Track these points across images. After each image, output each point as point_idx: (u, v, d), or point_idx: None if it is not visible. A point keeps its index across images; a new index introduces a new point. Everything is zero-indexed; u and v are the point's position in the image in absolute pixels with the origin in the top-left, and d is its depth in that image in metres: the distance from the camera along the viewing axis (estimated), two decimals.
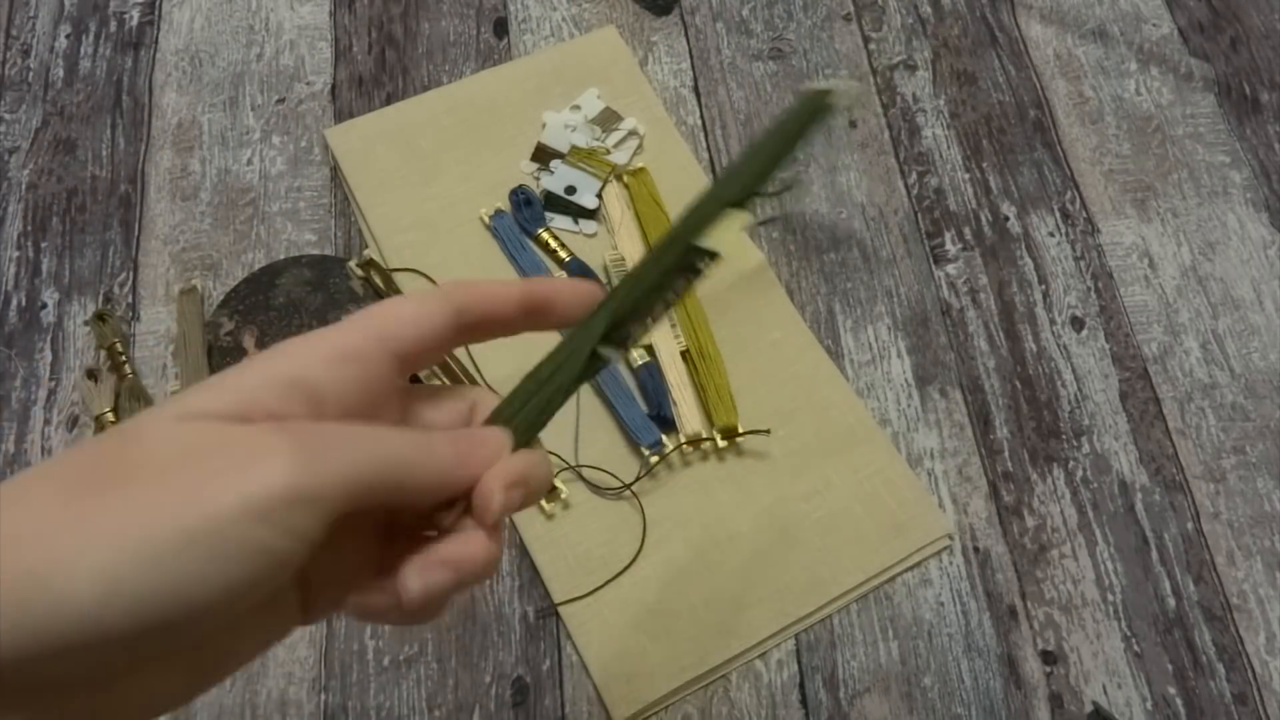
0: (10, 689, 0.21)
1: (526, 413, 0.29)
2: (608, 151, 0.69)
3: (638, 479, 0.59)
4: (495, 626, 0.56)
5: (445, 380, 0.60)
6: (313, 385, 0.24)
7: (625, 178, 0.68)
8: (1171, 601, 0.58)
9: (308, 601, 0.26)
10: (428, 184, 0.68)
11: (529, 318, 0.30)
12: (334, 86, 0.73)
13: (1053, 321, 0.66)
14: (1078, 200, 0.70)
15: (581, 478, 0.59)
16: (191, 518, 0.21)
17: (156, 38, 0.75)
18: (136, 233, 0.68)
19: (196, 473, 0.21)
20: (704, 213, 0.30)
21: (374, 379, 0.26)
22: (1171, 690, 0.56)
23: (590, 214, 0.67)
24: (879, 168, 0.71)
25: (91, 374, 0.62)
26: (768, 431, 0.60)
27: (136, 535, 0.20)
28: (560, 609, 0.56)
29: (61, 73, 0.74)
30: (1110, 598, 0.58)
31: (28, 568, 0.20)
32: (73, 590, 0.20)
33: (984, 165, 0.71)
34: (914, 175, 0.71)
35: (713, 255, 0.30)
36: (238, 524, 0.21)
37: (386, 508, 0.25)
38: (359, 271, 0.64)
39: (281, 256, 0.67)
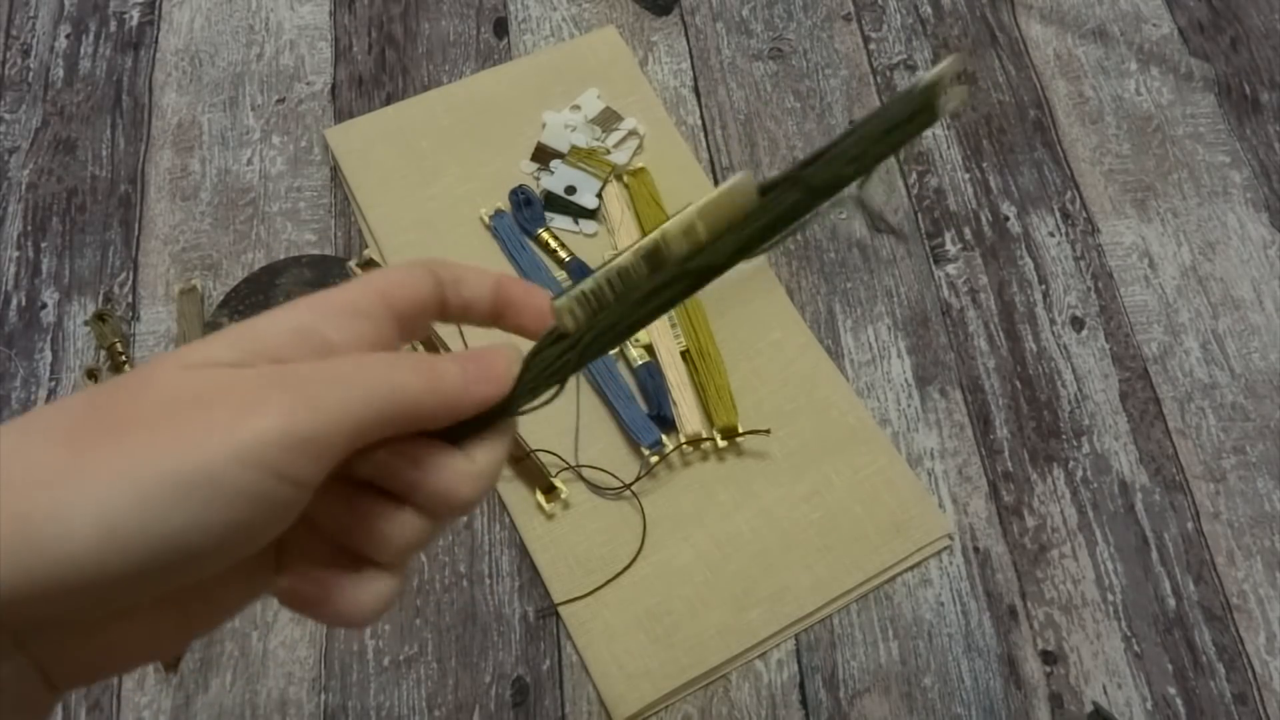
0: (10, 629, 0.21)
1: (598, 328, 0.28)
2: (608, 151, 0.69)
3: (638, 479, 0.59)
4: (495, 626, 0.56)
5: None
6: (322, 337, 0.24)
7: (625, 178, 0.68)
8: (1171, 601, 0.58)
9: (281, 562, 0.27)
10: (428, 184, 0.68)
11: (498, 313, 0.29)
12: (334, 86, 0.73)
13: (1053, 321, 0.66)
14: (1078, 200, 0.70)
15: (581, 478, 0.59)
16: (186, 463, 0.21)
17: (156, 38, 0.75)
18: (136, 233, 0.68)
19: (194, 420, 0.21)
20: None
21: (380, 335, 0.26)
22: (1171, 690, 0.56)
23: (590, 214, 0.67)
24: (879, 168, 0.71)
25: (91, 374, 0.62)
26: (768, 431, 0.60)
27: (132, 480, 0.21)
28: (560, 609, 0.56)
29: (61, 73, 0.74)
30: (1110, 598, 0.58)
31: (25, 510, 0.20)
32: (70, 532, 0.20)
33: (984, 165, 0.71)
34: (914, 175, 0.71)
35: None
36: (230, 470, 0.21)
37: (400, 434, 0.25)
38: (359, 271, 0.64)
39: (281, 256, 0.67)
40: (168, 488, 0.21)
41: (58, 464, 0.21)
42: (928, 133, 0.72)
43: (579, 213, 0.67)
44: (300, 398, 0.22)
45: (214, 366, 0.23)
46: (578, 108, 0.71)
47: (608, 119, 0.70)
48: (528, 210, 0.66)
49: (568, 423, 0.61)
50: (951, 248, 0.68)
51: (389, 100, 0.72)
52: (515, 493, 0.59)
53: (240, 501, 0.21)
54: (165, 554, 0.21)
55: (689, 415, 0.60)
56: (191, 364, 0.23)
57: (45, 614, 0.21)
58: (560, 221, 0.67)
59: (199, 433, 0.21)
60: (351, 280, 0.27)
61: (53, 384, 0.63)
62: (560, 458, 0.59)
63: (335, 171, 0.70)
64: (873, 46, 0.76)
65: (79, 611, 0.21)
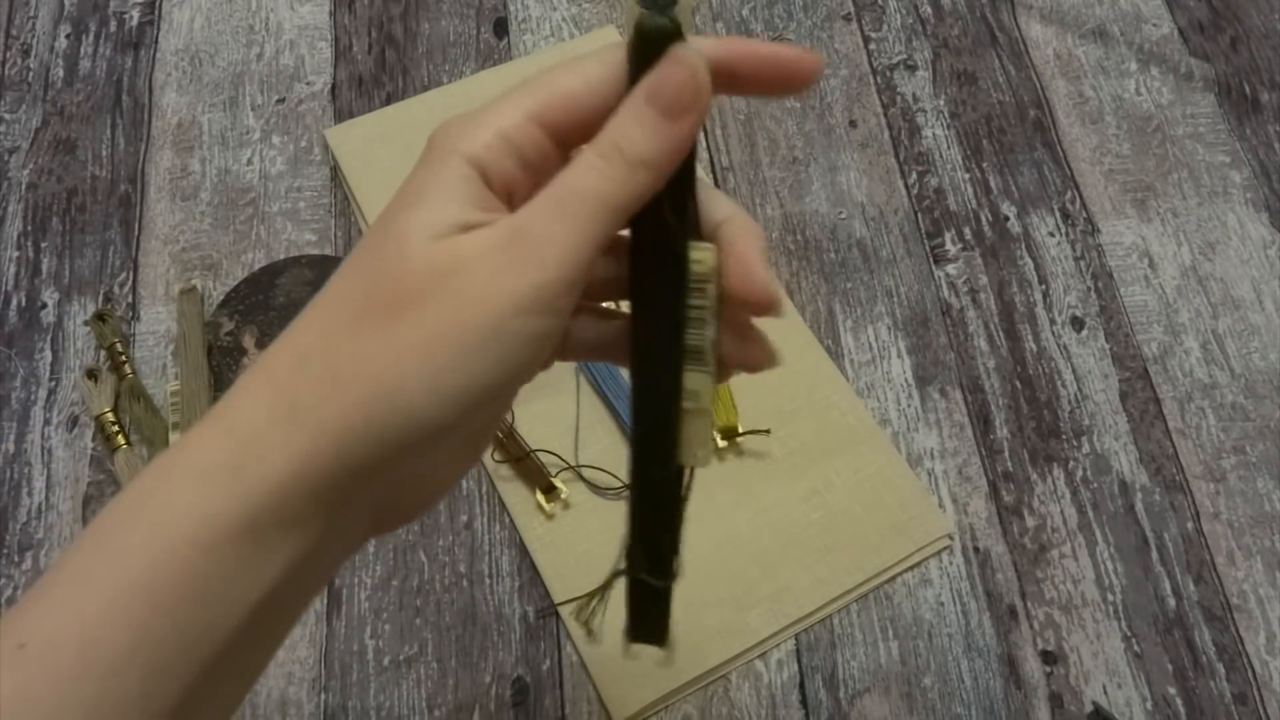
0: (363, 474, 0.26)
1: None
2: None
3: None
4: (495, 626, 0.56)
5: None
6: (485, 166, 0.27)
7: None
8: (1171, 601, 0.58)
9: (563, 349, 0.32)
10: None
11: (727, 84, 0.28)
12: (334, 86, 0.73)
13: (1053, 321, 0.66)
14: (1078, 200, 0.70)
15: (581, 478, 0.59)
16: (483, 321, 0.25)
17: (156, 38, 0.75)
18: (136, 233, 0.68)
19: (472, 284, 0.26)
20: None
21: (534, 157, 0.27)
22: (1171, 690, 0.56)
23: None
24: (879, 168, 0.71)
25: (91, 374, 0.62)
26: (768, 431, 0.60)
27: (446, 344, 0.25)
28: (560, 609, 0.56)
29: (61, 73, 0.74)
30: (1110, 598, 0.58)
31: (368, 388, 0.25)
32: (409, 398, 0.25)
33: (984, 165, 0.71)
34: (914, 175, 0.71)
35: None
36: (512, 321, 0.26)
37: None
38: None
39: (281, 256, 0.67)
40: (473, 343, 0.25)
41: (374, 345, 0.26)
42: (928, 133, 0.72)
43: None
44: (535, 265, 0.26)
45: (452, 235, 0.26)
46: None
47: None
48: None
49: (568, 423, 0.61)
50: (951, 248, 0.68)
51: (389, 100, 0.72)
52: (515, 493, 0.59)
53: (524, 340, 0.26)
54: (476, 395, 0.26)
55: None
56: (438, 234, 0.26)
57: (387, 458, 0.26)
58: None
59: (483, 294, 0.26)
60: (507, 97, 0.28)
61: (52, 384, 0.63)
62: (560, 458, 0.59)
63: (335, 171, 0.70)
64: (873, 46, 0.76)
65: (410, 453, 0.26)
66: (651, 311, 0.29)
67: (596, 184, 0.26)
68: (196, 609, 0.24)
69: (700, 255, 0.28)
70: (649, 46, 0.26)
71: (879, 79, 0.75)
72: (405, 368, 0.25)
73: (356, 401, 0.25)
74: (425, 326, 0.25)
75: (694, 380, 0.29)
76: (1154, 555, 0.59)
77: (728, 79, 0.27)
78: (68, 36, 0.75)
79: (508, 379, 0.26)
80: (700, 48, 0.26)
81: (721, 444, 0.60)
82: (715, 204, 0.29)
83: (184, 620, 0.24)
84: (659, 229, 0.28)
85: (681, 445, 0.30)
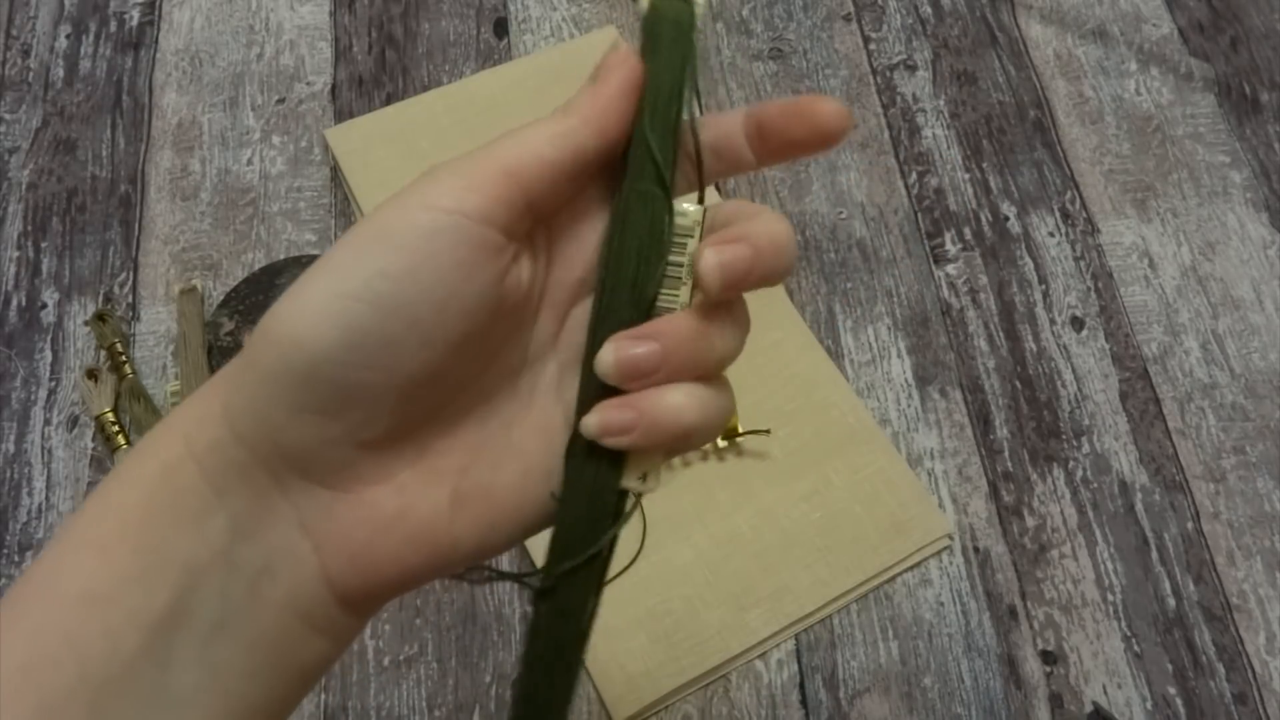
0: (271, 450, 0.25)
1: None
2: None
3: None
4: (495, 626, 0.56)
5: None
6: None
7: None
8: (1171, 601, 0.58)
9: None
10: None
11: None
12: (334, 86, 0.73)
13: (1053, 321, 0.66)
14: (1078, 200, 0.70)
15: None
16: (388, 221, 0.25)
17: (156, 38, 0.75)
18: (136, 233, 0.68)
19: (390, 203, 0.26)
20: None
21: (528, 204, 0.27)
22: (1171, 690, 0.56)
23: None
24: (879, 168, 0.71)
25: (91, 374, 0.62)
26: (768, 431, 0.60)
27: (357, 276, 0.25)
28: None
29: (61, 73, 0.74)
30: (1110, 598, 0.58)
31: (278, 335, 0.25)
32: (312, 334, 0.24)
33: (984, 165, 0.71)
34: (914, 175, 0.71)
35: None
36: (422, 215, 0.25)
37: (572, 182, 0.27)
38: None
39: (281, 256, 0.67)
40: (377, 240, 0.25)
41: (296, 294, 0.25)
42: (928, 133, 0.72)
43: None
44: (466, 187, 0.26)
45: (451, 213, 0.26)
46: None
47: None
48: None
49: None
50: (951, 248, 0.68)
51: (389, 100, 0.72)
52: None
53: (437, 240, 0.25)
54: (396, 298, 0.24)
55: None
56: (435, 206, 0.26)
57: (273, 397, 0.25)
58: None
59: (395, 207, 0.25)
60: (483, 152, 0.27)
61: (53, 384, 0.63)
62: None
63: (335, 171, 0.70)
64: (873, 47, 0.76)
65: (320, 397, 0.25)
66: (618, 268, 0.27)
67: (534, 148, 0.26)
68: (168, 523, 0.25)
69: (686, 208, 0.27)
70: (661, 25, 0.26)
71: (879, 79, 0.75)
72: (310, 306, 0.25)
73: (248, 350, 0.25)
74: (355, 263, 0.25)
75: None
76: (1154, 555, 0.59)
77: (759, 140, 0.28)
78: (68, 36, 0.75)
79: (415, 287, 0.25)
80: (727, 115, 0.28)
81: (722, 444, 0.60)
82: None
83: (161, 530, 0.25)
84: (641, 196, 0.27)
85: None
